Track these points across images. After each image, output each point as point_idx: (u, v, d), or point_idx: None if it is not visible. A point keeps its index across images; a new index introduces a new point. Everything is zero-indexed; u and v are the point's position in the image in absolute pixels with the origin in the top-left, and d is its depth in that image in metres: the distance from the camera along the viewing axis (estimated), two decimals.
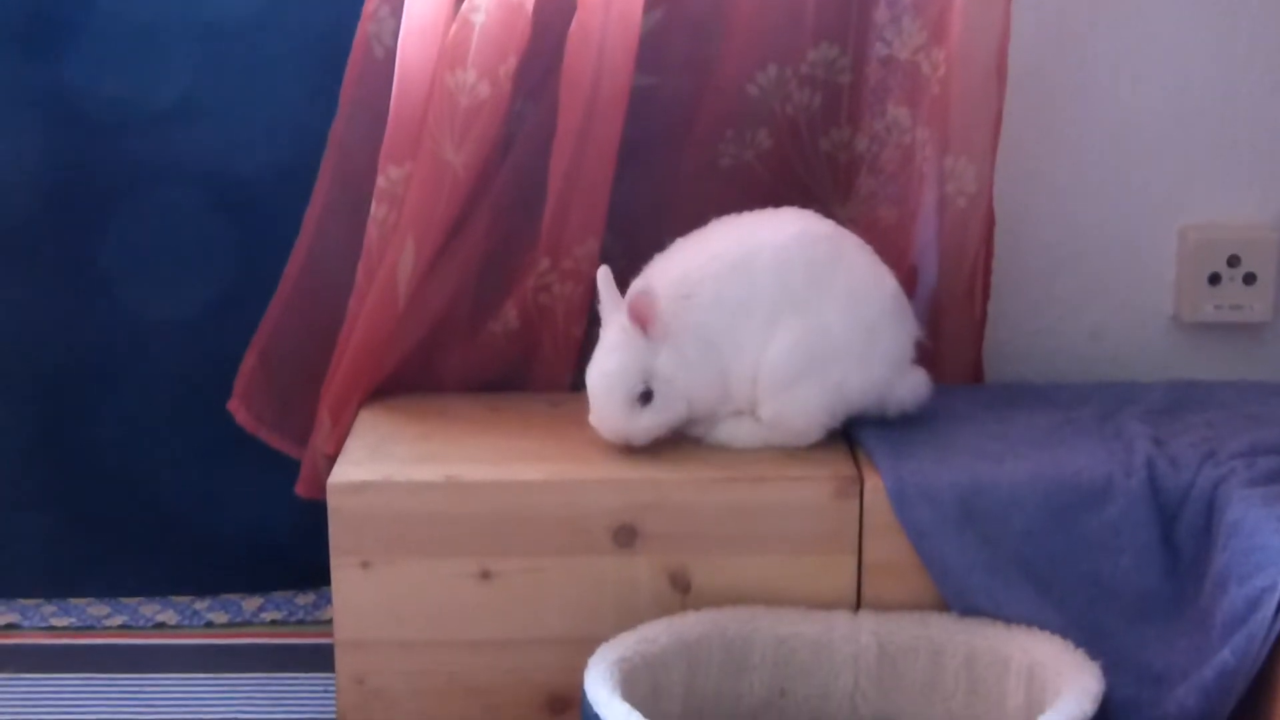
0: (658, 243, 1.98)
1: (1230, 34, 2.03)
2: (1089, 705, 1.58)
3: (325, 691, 1.83)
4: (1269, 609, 1.55)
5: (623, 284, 2.00)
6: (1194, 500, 1.74)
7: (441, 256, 1.94)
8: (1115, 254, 2.08)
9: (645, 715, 1.57)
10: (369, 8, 1.94)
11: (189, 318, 2.05)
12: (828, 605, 1.75)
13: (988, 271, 2.02)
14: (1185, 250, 2.07)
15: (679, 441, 1.84)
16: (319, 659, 1.85)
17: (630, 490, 1.75)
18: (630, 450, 1.80)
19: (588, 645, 1.68)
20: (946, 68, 1.92)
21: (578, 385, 2.01)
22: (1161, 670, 1.68)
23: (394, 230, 1.92)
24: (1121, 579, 1.74)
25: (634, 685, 1.65)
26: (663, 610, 1.75)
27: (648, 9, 1.92)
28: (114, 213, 2.02)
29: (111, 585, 2.10)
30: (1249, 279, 2.06)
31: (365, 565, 1.75)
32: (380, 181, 1.92)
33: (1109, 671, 1.65)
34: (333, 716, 1.80)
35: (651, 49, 1.96)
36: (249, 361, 2.02)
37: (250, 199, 2.02)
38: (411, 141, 1.90)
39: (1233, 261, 2.06)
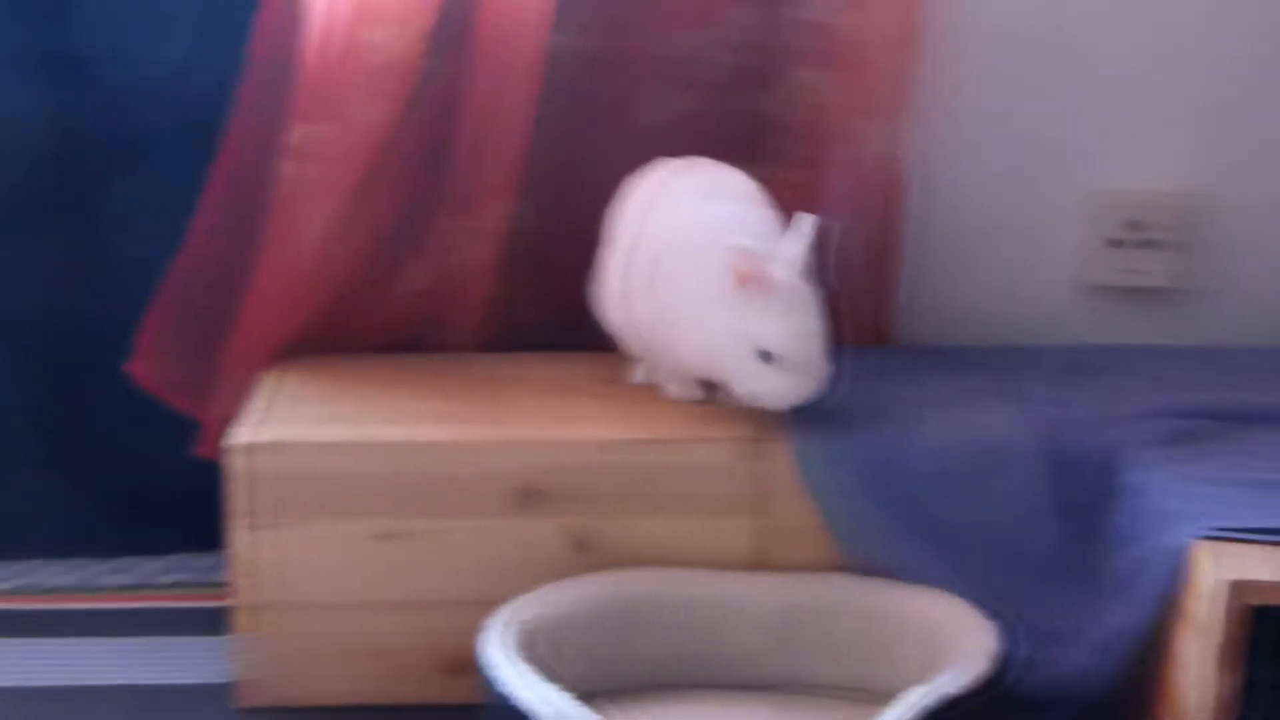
0: (572, 204, 1.99)
1: (1135, 1, 2.03)
2: (986, 665, 1.59)
3: (223, 655, 1.82)
4: (1161, 569, 1.56)
5: (539, 246, 2.01)
6: (1092, 462, 1.75)
7: (351, 216, 1.93)
8: (1020, 218, 2.09)
9: (545, 677, 1.58)
10: None
11: (88, 275, 2.02)
12: (729, 566, 1.76)
13: (899, 235, 2.03)
14: (1088, 215, 2.08)
15: (581, 403, 1.84)
16: (219, 622, 1.83)
17: (532, 452, 1.75)
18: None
19: (489, 607, 1.68)
20: (861, 30, 1.92)
21: (486, 346, 2.01)
22: (1059, 630, 1.69)
23: (303, 189, 1.90)
24: (1021, 540, 1.75)
25: (533, 647, 1.65)
26: (564, 572, 1.75)
27: None
28: (10, 169, 1.99)
29: (5, 548, 2.08)
30: (1150, 244, 2.07)
31: (264, 527, 1.74)
32: (290, 139, 1.90)
33: (1007, 631, 1.66)
34: (231, 680, 1.79)
35: (568, 9, 1.94)
36: (150, 320, 1.99)
37: (154, 155, 1.99)
38: (321, 99, 1.88)
39: (1134, 227, 2.07)
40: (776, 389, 1.72)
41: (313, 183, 1.89)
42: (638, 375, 1.89)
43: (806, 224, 1.74)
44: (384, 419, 1.81)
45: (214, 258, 1.98)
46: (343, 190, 1.90)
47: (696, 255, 1.78)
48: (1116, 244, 2.08)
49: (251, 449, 1.74)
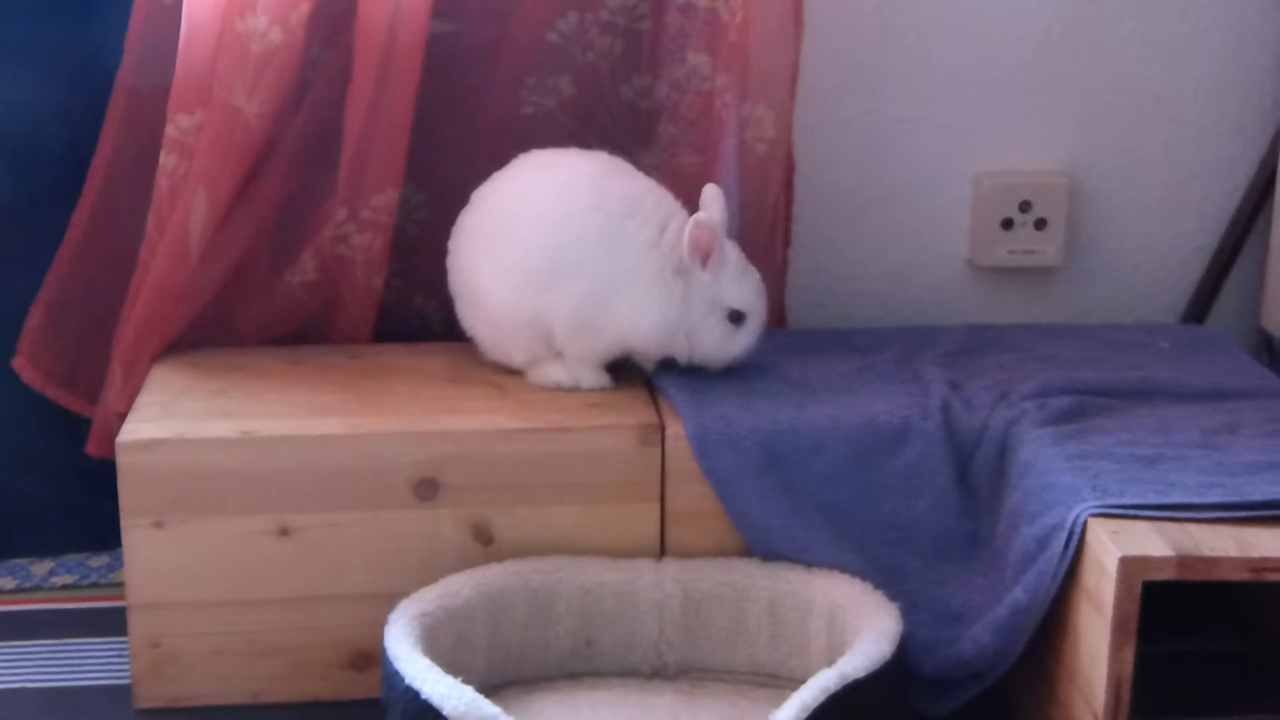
0: (460, 192, 1.97)
1: None
2: (887, 646, 1.60)
3: (119, 656, 1.79)
4: (1058, 546, 1.58)
5: (429, 235, 1.99)
6: (988, 441, 1.77)
7: (235, 207, 1.90)
8: (912, 200, 2.11)
9: (448, 669, 1.56)
10: None
11: None
12: (632, 553, 1.76)
13: (788, 218, 2.03)
14: (979, 196, 2.10)
15: (478, 392, 1.83)
16: (114, 623, 1.80)
17: (430, 442, 1.74)
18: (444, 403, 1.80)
19: (391, 600, 1.67)
20: (744, 14, 1.92)
21: (378, 337, 2.00)
22: (958, 609, 1.70)
23: (185, 180, 1.87)
24: (919, 520, 1.76)
25: (436, 639, 1.63)
26: (466, 563, 1.74)
27: None
28: None
29: None
30: (1040, 224, 2.10)
31: (158, 525, 1.71)
32: (170, 130, 1.87)
33: (908, 611, 1.67)
34: (127, 682, 1.76)
35: None
36: (34, 317, 1.96)
37: (34, 148, 1.95)
38: (201, 89, 1.85)
39: (1024, 207, 2.09)
40: (745, 345, 1.83)
41: (194, 174, 1.86)
42: (553, 374, 1.86)
43: (716, 192, 1.82)
44: (277, 413, 1.78)
45: (97, 252, 1.96)
46: (226, 181, 1.87)
47: (630, 232, 1.79)
48: (1007, 225, 2.10)
49: (141, 446, 1.71)
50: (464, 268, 1.87)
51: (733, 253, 1.82)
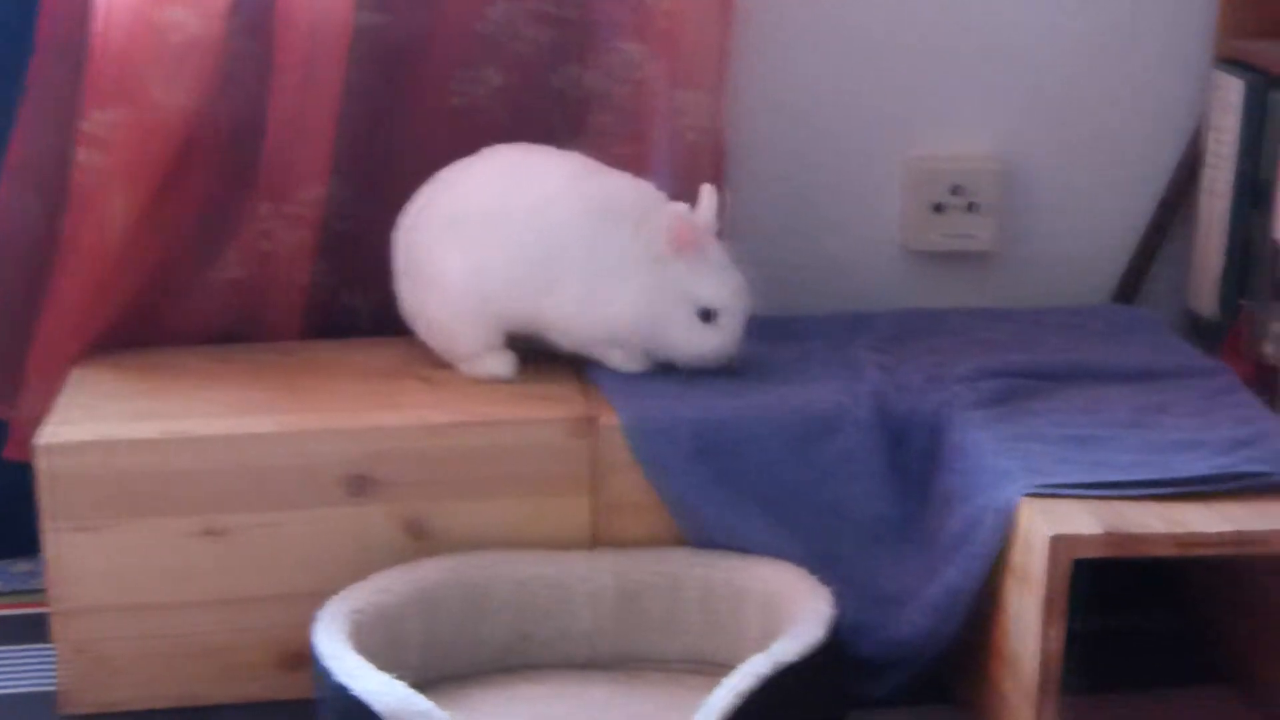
0: (387, 186, 1.95)
1: None
2: (820, 630, 1.60)
3: (45, 662, 1.77)
4: (990, 527, 1.58)
5: (356, 230, 1.97)
6: (920, 425, 1.77)
7: (156, 203, 1.88)
8: (845, 185, 2.10)
9: (382, 666, 1.55)
10: None
11: None
12: (566, 546, 1.75)
13: (720, 205, 2.02)
14: (910, 181, 2.10)
15: (408, 387, 1.82)
16: (40, 630, 1.77)
17: (361, 439, 1.72)
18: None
19: (324, 599, 1.65)
20: (675, 1, 1.91)
21: (306, 333, 1.98)
22: (893, 592, 1.70)
23: (103, 176, 1.84)
24: (853, 505, 1.76)
25: (369, 637, 1.62)
26: (399, 559, 1.72)
27: None
28: None
29: None
30: (972, 208, 2.10)
31: (83, 529, 1.69)
32: (85, 125, 1.83)
33: (842, 595, 1.67)
34: (54, 689, 1.73)
35: None
36: None
37: None
38: (117, 82, 1.82)
39: (956, 191, 2.09)
40: (715, 344, 1.81)
41: (112, 170, 1.83)
42: (499, 366, 1.85)
43: (710, 191, 1.82)
44: (203, 412, 1.76)
45: (13, 251, 1.92)
46: (146, 177, 1.85)
47: (616, 229, 1.79)
48: (939, 209, 2.10)
49: (62, 449, 1.68)
50: (423, 252, 1.85)
51: (715, 251, 1.81)
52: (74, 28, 1.85)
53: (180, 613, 1.72)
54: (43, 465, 1.68)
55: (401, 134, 1.97)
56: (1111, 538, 1.49)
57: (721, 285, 1.80)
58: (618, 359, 1.84)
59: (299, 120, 1.88)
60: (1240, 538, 1.50)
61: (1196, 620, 1.84)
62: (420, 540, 1.74)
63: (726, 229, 1.95)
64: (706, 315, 1.80)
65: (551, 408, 1.77)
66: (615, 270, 1.80)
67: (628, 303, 1.80)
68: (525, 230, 1.80)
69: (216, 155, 1.90)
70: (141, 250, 1.88)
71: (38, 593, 1.83)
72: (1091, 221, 2.14)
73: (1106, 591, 1.74)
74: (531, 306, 1.82)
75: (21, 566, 1.98)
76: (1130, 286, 2.14)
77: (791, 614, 1.64)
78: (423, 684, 1.63)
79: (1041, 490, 1.56)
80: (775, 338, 1.95)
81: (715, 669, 1.71)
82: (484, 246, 1.81)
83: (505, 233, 1.81)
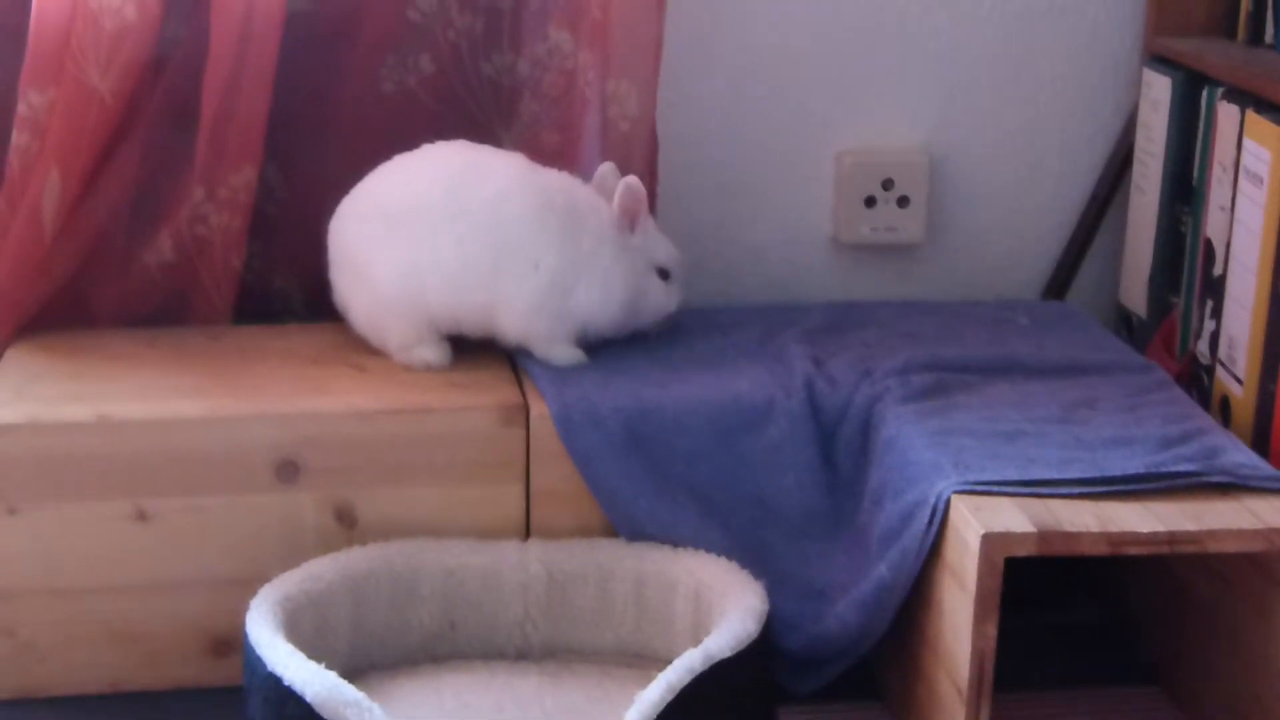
0: (320, 171, 1.95)
1: None
2: (753, 624, 1.60)
3: None
4: (921, 523, 1.59)
5: (288, 214, 1.96)
6: (851, 418, 1.77)
7: (90, 186, 1.87)
8: (776, 178, 2.11)
9: (311, 654, 1.55)
10: None
11: None
12: (497, 535, 1.75)
13: (652, 195, 2.02)
14: (841, 174, 2.11)
15: (338, 373, 1.81)
16: None
17: (291, 424, 1.71)
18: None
19: (252, 585, 1.64)
20: None
21: (237, 318, 1.96)
22: (823, 586, 1.71)
23: (38, 159, 1.84)
24: (784, 498, 1.77)
25: (299, 624, 1.61)
26: (329, 546, 1.72)
27: None
28: None
29: None
30: (902, 202, 2.11)
31: (11, 511, 1.68)
32: (21, 108, 1.83)
33: (773, 589, 1.67)
34: None
35: None
36: None
37: None
38: (53, 66, 1.82)
39: (887, 185, 2.10)
40: (676, 299, 1.90)
41: (47, 152, 1.83)
42: (433, 355, 1.84)
43: (611, 168, 1.89)
44: (132, 395, 1.75)
45: None
46: (80, 160, 1.84)
47: (565, 218, 1.82)
48: (870, 202, 2.11)
49: None
50: (360, 246, 1.84)
51: (648, 216, 1.89)
52: (10, 11, 1.85)
53: (108, 597, 1.71)
54: None
55: (333, 120, 1.97)
56: (1044, 536, 1.50)
57: (667, 244, 1.90)
58: (559, 354, 1.83)
59: (232, 105, 1.88)
60: (1173, 537, 1.51)
61: (1124, 617, 1.86)
62: (350, 527, 1.73)
63: (658, 218, 1.96)
64: (664, 274, 1.88)
65: (483, 395, 1.77)
66: (589, 259, 1.83)
67: (610, 290, 1.84)
68: (475, 228, 1.80)
69: (150, 138, 1.90)
70: (75, 233, 1.87)
71: None
72: (1022, 217, 2.15)
73: (1034, 586, 1.76)
74: (478, 304, 1.82)
75: None
76: (1061, 282, 2.16)
77: (723, 607, 1.64)
78: (350, 672, 1.63)
79: (973, 487, 1.57)
80: (706, 329, 1.96)
81: (646, 661, 1.72)
82: (426, 244, 1.80)
83: (451, 231, 1.80)
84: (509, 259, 1.80)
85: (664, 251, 1.89)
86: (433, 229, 1.80)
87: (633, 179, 1.84)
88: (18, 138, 1.84)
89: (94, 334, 1.91)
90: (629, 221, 1.85)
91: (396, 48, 1.95)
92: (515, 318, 1.82)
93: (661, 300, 1.89)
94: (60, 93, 1.82)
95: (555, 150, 1.96)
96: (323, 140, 1.96)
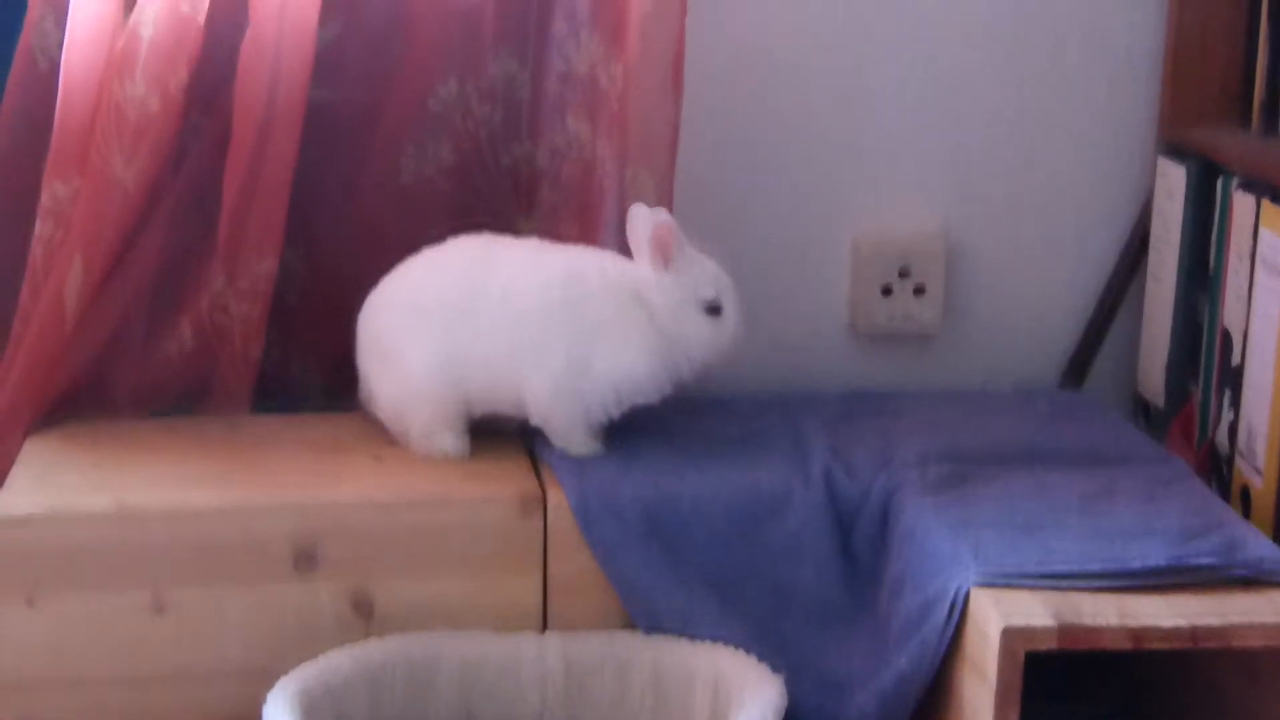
0: (340, 261, 1.95)
1: (898, 45, 2.08)
2: (771, 717, 1.59)
3: None
4: (941, 615, 1.58)
5: (308, 303, 1.97)
6: (870, 509, 1.77)
7: (112, 275, 1.87)
8: (792, 265, 2.11)
9: None
10: (32, 17, 1.87)
11: None
12: (514, 626, 1.74)
13: None
14: (858, 262, 2.11)
15: (356, 463, 1.81)
16: None
17: (309, 514, 1.71)
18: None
19: (269, 676, 1.64)
20: (624, 81, 1.93)
21: (256, 407, 1.97)
22: (842, 678, 1.70)
23: (61, 248, 1.85)
24: (803, 588, 1.76)
25: (316, 716, 1.61)
26: (346, 637, 1.71)
27: (324, 22, 1.89)
28: None
29: None
30: (919, 290, 2.11)
31: (30, 602, 1.68)
32: (45, 198, 1.85)
33: (791, 681, 1.66)
34: None
35: (329, 63, 1.92)
36: None
37: None
38: (78, 156, 1.83)
39: (903, 273, 2.11)
40: (730, 332, 1.81)
41: (70, 242, 1.84)
42: (453, 445, 1.84)
43: (640, 208, 1.83)
44: (152, 485, 1.75)
45: None
46: (102, 249, 1.85)
47: (584, 294, 1.81)
48: (887, 291, 2.11)
49: (16, 521, 1.67)
50: (389, 335, 1.84)
51: (688, 248, 1.81)
52: (36, 101, 1.86)
53: (124, 688, 1.71)
54: None
55: (354, 209, 1.98)
56: (1066, 631, 1.49)
57: (714, 274, 1.81)
58: (577, 446, 1.83)
59: (253, 194, 1.88)
60: (1195, 633, 1.50)
61: (1148, 709, 1.84)
62: (367, 618, 1.73)
63: None
64: (712, 309, 1.80)
65: (501, 486, 1.77)
66: (599, 325, 1.80)
67: (634, 357, 1.80)
68: (492, 323, 1.81)
69: (171, 228, 1.90)
70: (96, 321, 1.88)
71: None
72: (1038, 304, 2.15)
73: (1056, 676, 1.75)
74: (508, 392, 1.82)
75: None
76: (1078, 370, 2.16)
77: (741, 700, 1.63)
78: None
79: (994, 579, 1.57)
80: (724, 417, 1.96)
81: None
82: (454, 335, 1.81)
83: (473, 325, 1.81)
84: (524, 350, 1.81)
85: (709, 284, 1.80)
86: (457, 321, 1.81)
87: (660, 212, 1.80)
88: (41, 227, 1.85)
89: (114, 424, 1.91)
90: (662, 259, 1.81)
91: (417, 137, 1.96)
92: (538, 406, 1.82)
93: (707, 336, 1.80)
94: (84, 182, 1.83)
95: (574, 240, 1.97)
96: (343, 229, 1.97)
